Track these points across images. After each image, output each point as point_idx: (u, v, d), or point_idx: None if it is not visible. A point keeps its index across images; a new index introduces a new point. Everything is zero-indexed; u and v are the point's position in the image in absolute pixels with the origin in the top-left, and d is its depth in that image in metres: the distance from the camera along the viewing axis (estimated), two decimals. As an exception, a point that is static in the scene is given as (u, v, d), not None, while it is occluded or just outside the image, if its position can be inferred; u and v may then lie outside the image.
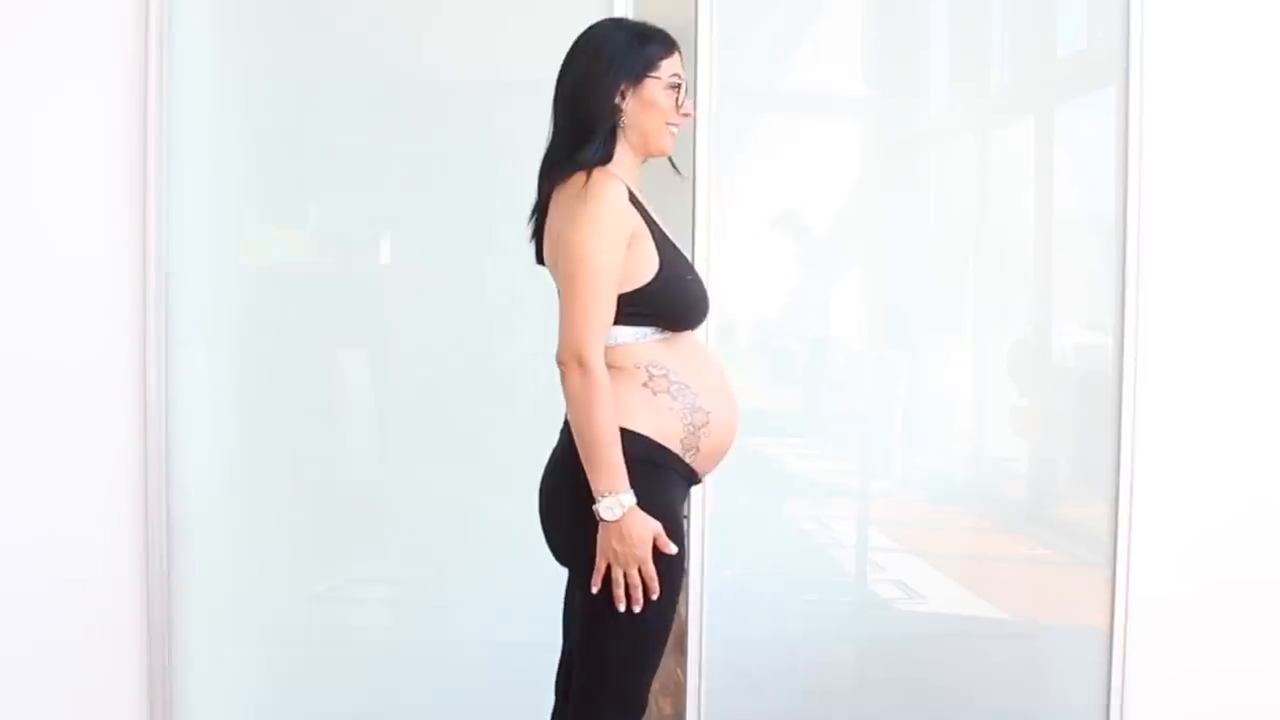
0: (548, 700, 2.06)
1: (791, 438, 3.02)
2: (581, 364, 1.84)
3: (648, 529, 1.88)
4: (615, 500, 1.84)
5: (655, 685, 2.93)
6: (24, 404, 2.64)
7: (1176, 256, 2.80)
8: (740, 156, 2.84)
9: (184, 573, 2.71)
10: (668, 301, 1.96)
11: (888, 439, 3.00)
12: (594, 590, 1.89)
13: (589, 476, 1.87)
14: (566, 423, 1.96)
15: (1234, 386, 2.84)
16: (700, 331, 2.63)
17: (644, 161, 2.04)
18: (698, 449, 1.97)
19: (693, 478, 2.01)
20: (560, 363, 1.87)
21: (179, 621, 2.71)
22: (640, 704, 1.99)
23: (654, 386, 1.95)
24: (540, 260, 2.05)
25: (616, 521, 1.85)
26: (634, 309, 1.92)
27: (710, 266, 2.70)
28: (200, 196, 2.71)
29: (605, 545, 1.87)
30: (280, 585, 2.82)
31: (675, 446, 1.94)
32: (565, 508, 1.96)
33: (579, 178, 1.91)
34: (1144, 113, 2.77)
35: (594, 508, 1.86)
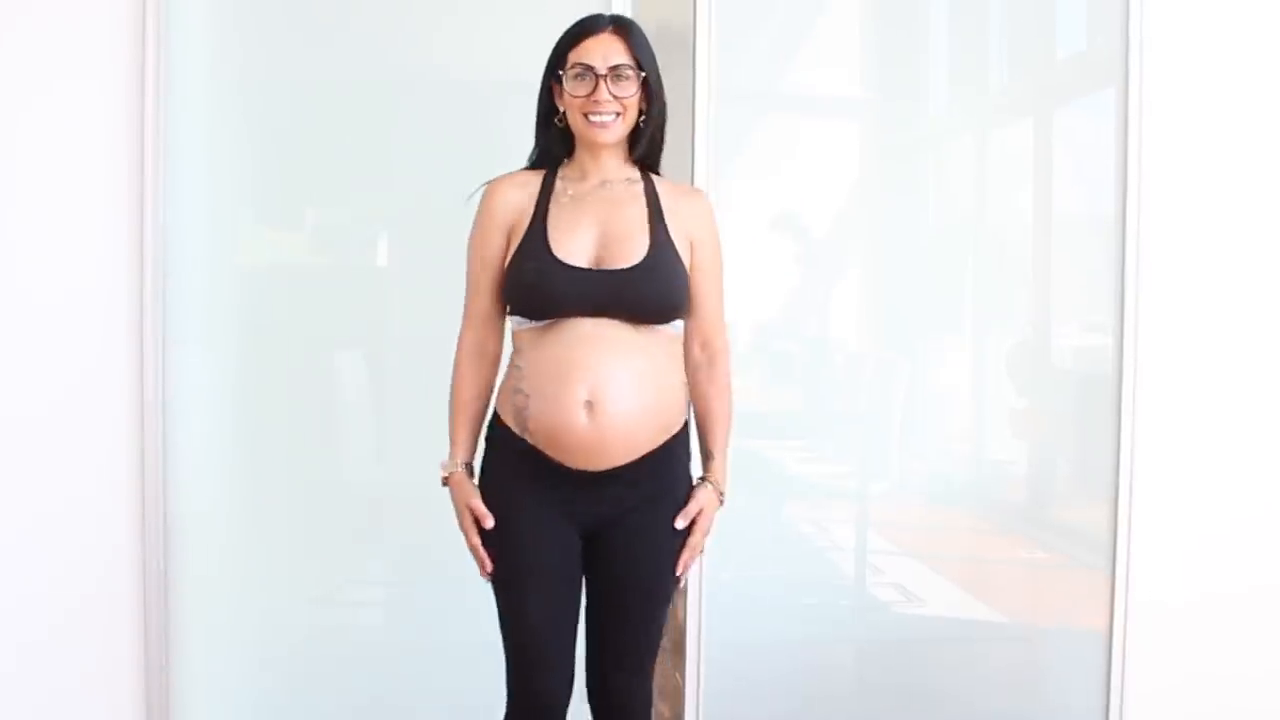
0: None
1: (790, 440, 3.02)
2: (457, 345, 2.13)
3: (459, 497, 2.08)
4: (446, 461, 2.10)
5: (654, 689, 2.92)
6: (21, 404, 2.65)
7: (1176, 258, 2.82)
8: (739, 159, 2.85)
9: (181, 574, 2.73)
10: (511, 291, 2.07)
11: (887, 441, 3.02)
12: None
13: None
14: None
15: (1234, 389, 2.85)
16: None
17: (607, 148, 2.07)
18: (528, 430, 2.01)
19: (552, 463, 2.01)
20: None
21: (175, 623, 2.72)
22: (512, 690, 2.07)
23: (509, 370, 2.09)
24: None
25: (451, 485, 2.09)
26: (506, 300, 2.10)
27: None
28: (197, 197, 2.72)
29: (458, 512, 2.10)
30: (277, 587, 2.83)
31: (511, 423, 2.05)
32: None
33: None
34: (1143, 115, 2.78)
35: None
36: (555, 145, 2.12)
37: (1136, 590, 2.83)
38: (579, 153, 2.11)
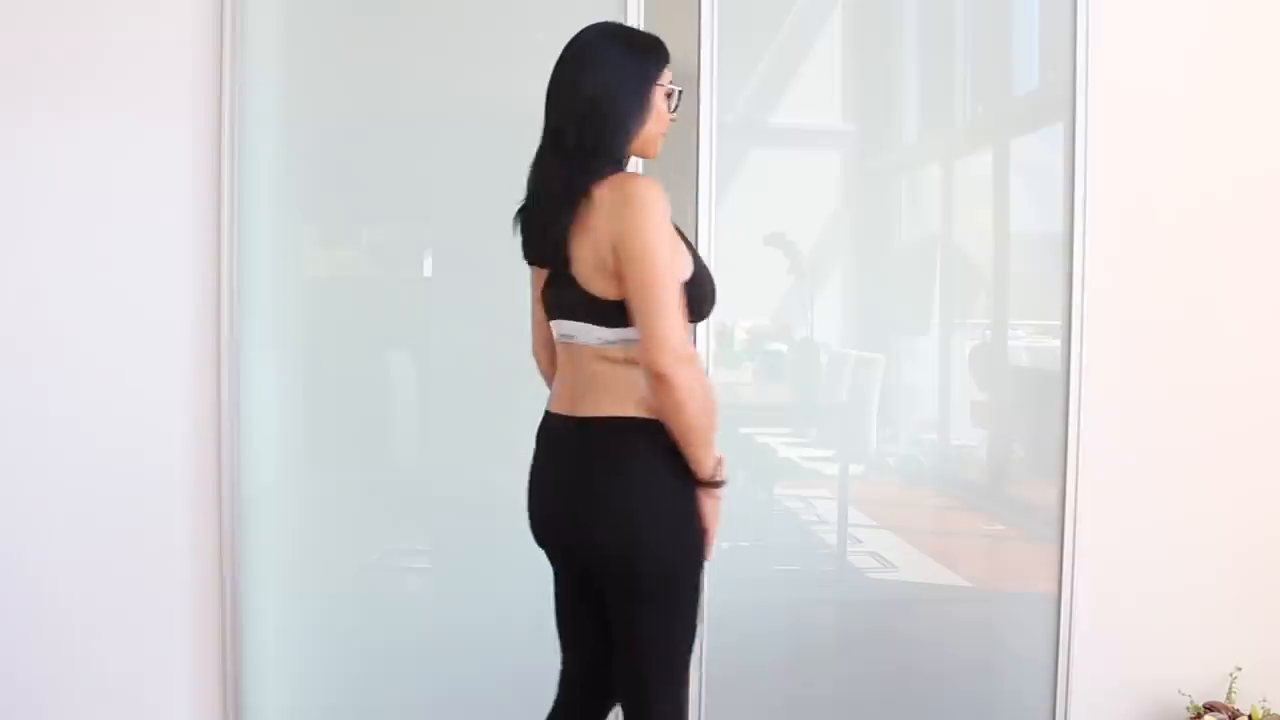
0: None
1: (780, 428, 3.06)
2: (689, 360, 1.78)
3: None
4: (720, 462, 1.87)
5: None
6: (116, 400, 2.75)
7: (1117, 270, 2.90)
8: (737, 183, 2.88)
9: (251, 543, 2.81)
10: (702, 295, 1.90)
11: (865, 429, 3.05)
12: (711, 558, 1.90)
13: (702, 456, 1.83)
14: (623, 429, 1.85)
15: (1165, 384, 2.94)
16: (700, 333, 2.74)
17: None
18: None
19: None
20: (662, 366, 1.76)
21: (246, 585, 2.81)
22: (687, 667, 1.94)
23: None
24: (531, 255, 1.97)
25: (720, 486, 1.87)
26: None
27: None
28: (266, 218, 2.80)
29: (715, 513, 1.90)
30: (334, 555, 2.91)
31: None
32: (666, 508, 1.87)
33: (629, 183, 1.83)
34: (1089, 145, 2.86)
35: (715, 478, 1.86)
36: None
37: (1081, 558, 2.91)
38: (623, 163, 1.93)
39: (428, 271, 3.00)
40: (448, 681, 2.88)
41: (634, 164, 2.13)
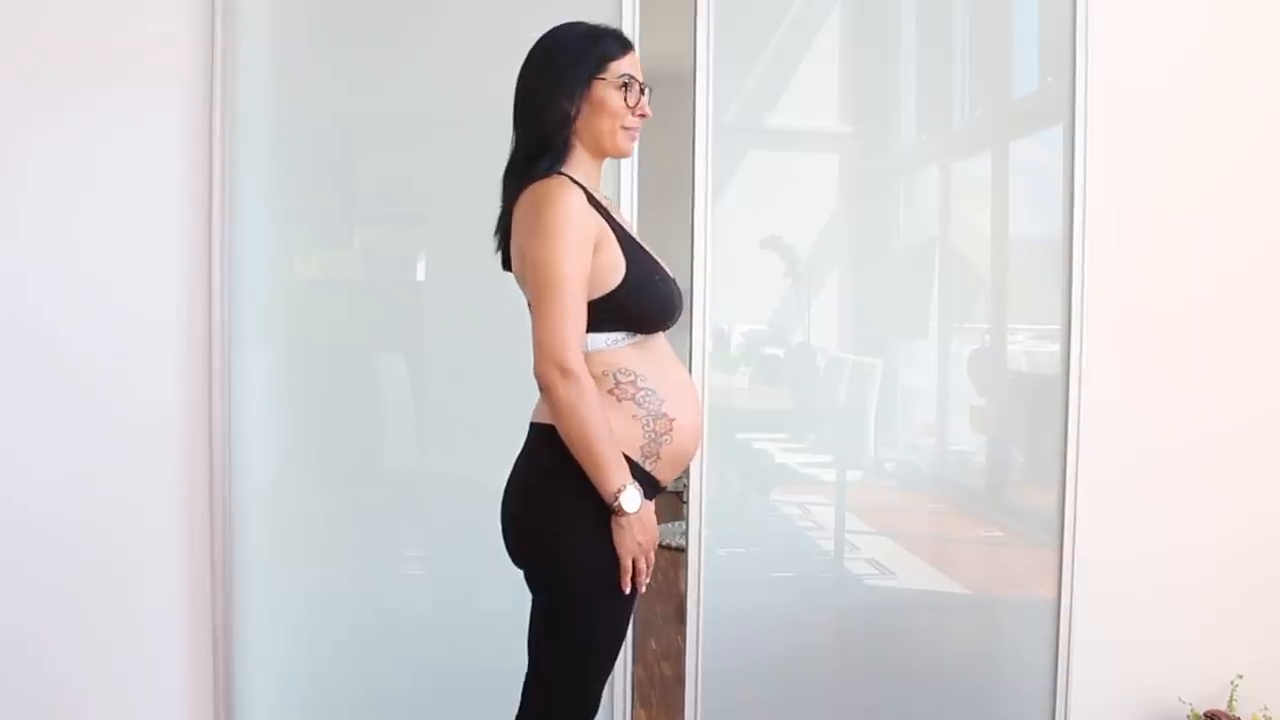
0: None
1: (778, 433, 3.05)
2: (566, 372, 1.71)
3: (652, 512, 1.81)
4: (633, 490, 1.75)
5: (659, 651, 3.05)
6: (106, 401, 2.74)
7: (1116, 274, 2.91)
8: (733, 186, 2.88)
9: (243, 546, 2.80)
10: (637, 304, 1.83)
11: (862, 434, 3.05)
12: (626, 590, 1.78)
13: (596, 480, 1.74)
14: (535, 435, 1.85)
15: (1164, 389, 2.95)
16: (697, 338, 2.71)
17: (602, 162, 1.93)
18: (658, 456, 1.84)
19: (654, 485, 1.87)
20: (540, 375, 1.73)
21: (238, 588, 2.79)
22: (583, 693, 1.88)
23: (619, 393, 1.82)
24: (507, 267, 1.95)
25: (638, 513, 1.75)
26: (604, 314, 1.80)
27: (708, 282, 2.77)
28: (258, 222, 2.79)
29: (630, 542, 1.77)
30: (327, 560, 2.89)
31: (635, 454, 1.82)
32: (542, 507, 1.83)
33: (533, 189, 1.79)
34: (1088, 148, 2.87)
35: (616, 505, 1.74)
36: (564, 154, 1.86)
37: (1080, 564, 2.92)
38: (584, 162, 1.89)
39: (420, 274, 3.01)
40: (441, 685, 2.88)
41: (611, 165, 2.11)
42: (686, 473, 2.00)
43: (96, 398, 2.76)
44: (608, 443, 1.74)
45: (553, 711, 1.89)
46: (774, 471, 3.05)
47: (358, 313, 2.93)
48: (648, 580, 1.82)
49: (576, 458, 1.75)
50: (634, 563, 1.79)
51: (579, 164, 1.88)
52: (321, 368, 2.91)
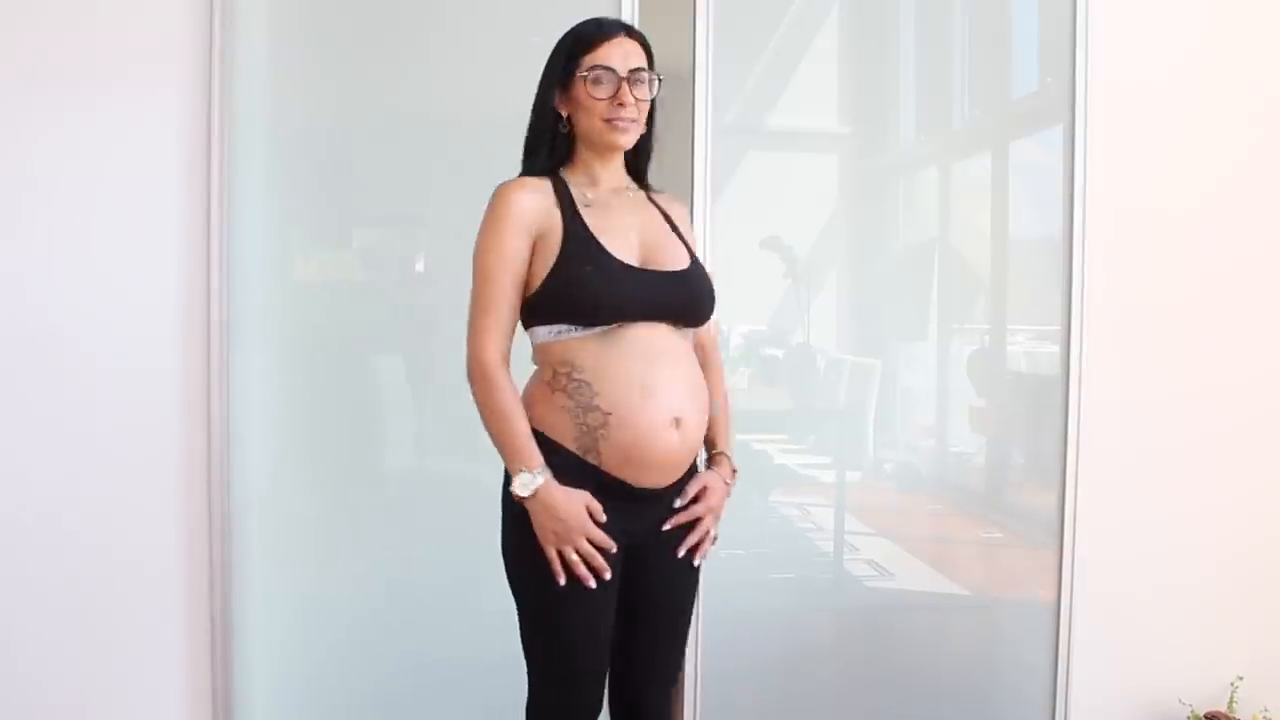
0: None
1: (777, 434, 3.05)
2: (478, 365, 1.79)
3: (576, 499, 1.77)
4: (529, 476, 1.75)
5: None
6: (102, 403, 2.73)
7: (1116, 274, 2.92)
8: (732, 186, 2.87)
9: (241, 548, 2.79)
10: (562, 293, 1.81)
11: (861, 435, 3.05)
12: (560, 583, 1.77)
13: (506, 465, 1.79)
14: None
15: (1165, 388, 2.96)
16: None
17: (614, 157, 1.92)
18: (598, 450, 1.81)
19: (609, 480, 1.83)
20: (466, 372, 1.82)
21: (236, 590, 2.79)
22: (552, 704, 1.89)
23: (554, 384, 1.83)
24: None
25: (536, 498, 1.74)
26: (542, 308, 1.82)
27: None
28: (257, 221, 2.78)
29: (544, 530, 1.76)
30: (324, 563, 2.87)
31: (571, 445, 1.82)
32: (503, 512, 1.88)
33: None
34: (1088, 148, 2.88)
35: (509, 489, 1.77)
36: (558, 152, 1.90)
37: (1080, 565, 2.92)
38: (586, 159, 1.91)
39: (419, 275, 3.00)
40: (439, 686, 2.88)
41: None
42: (691, 471, 1.94)
43: (95, 398, 2.75)
44: (509, 430, 1.78)
45: (535, 699, 1.92)
46: (773, 472, 3.05)
47: (356, 314, 2.91)
48: (599, 573, 1.82)
49: (493, 444, 1.81)
50: (561, 554, 1.78)
51: (583, 162, 1.90)
52: (320, 368, 2.89)
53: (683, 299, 1.90)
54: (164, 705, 2.82)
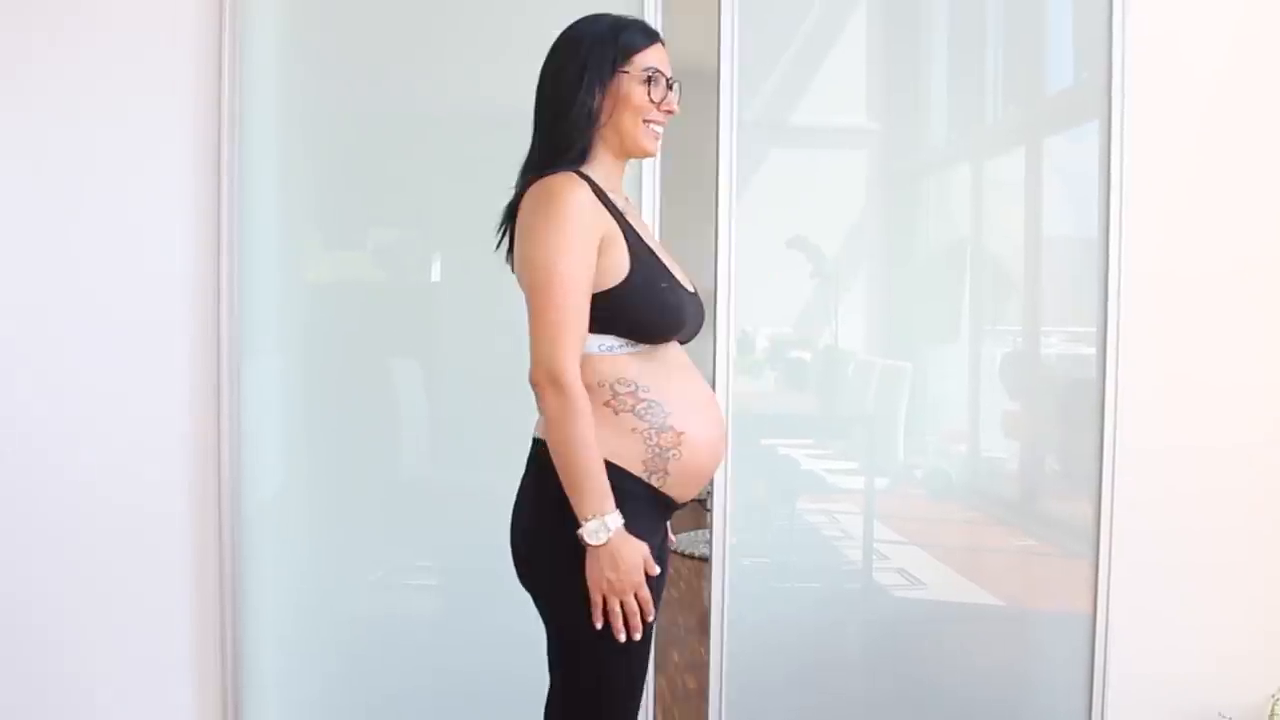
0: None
1: (804, 439, 3.03)
2: (557, 383, 1.63)
3: (638, 551, 1.67)
4: (600, 524, 1.63)
5: (681, 663, 2.99)
6: (117, 406, 2.75)
7: (1154, 274, 2.87)
8: (758, 184, 2.85)
9: (253, 559, 2.80)
10: (637, 307, 1.73)
11: (891, 440, 3.03)
12: (597, 625, 1.67)
13: (572, 501, 1.64)
14: (537, 445, 1.76)
15: (1205, 392, 2.91)
16: (721, 345, 2.69)
17: (625, 162, 1.86)
18: (665, 472, 1.74)
19: (667, 502, 1.78)
20: (534, 383, 1.65)
21: (248, 599, 2.80)
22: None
23: (617, 405, 1.72)
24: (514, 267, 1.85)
25: (606, 546, 1.63)
26: (602, 316, 1.70)
27: (731, 284, 2.77)
28: (269, 222, 2.79)
29: (598, 576, 1.65)
30: (339, 570, 2.89)
31: (638, 470, 1.72)
32: (545, 537, 1.73)
33: (539, 184, 1.70)
34: (1124, 144, 2.84)
35: (578, 533, 1.64)
36: (587, 151, 1.78)
37: (1116, 576, 2.88)
38: (608, 162, 1.81)
39: (435, 276, 2.99)
40: (451, 695, 2.88)
41: (633, 163, 2.02)
42: (711, 480, 1.97)
43: (100, 407, 2.77)
44: (589, 466, 1.64)
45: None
46: (800, 479, 3.04)
47: (370, 317, 2.91)
48: (644, 625, 1.70)
49: (559, 471, 1.66)
50: (606, 601, 1.67)
51: (600, 163, 1.80)
52: (333, 372, 2.89)
53: (702, 318, 1.89)
54: (174, 710, 2.83)
